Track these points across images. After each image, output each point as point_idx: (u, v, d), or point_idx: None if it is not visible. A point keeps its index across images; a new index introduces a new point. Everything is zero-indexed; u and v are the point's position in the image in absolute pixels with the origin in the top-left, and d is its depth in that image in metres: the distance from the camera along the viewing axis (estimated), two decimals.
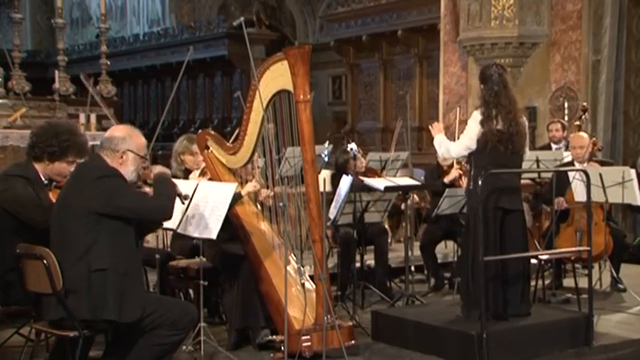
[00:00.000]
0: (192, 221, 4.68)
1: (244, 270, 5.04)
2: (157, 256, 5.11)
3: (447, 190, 6.39)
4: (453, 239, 7.11)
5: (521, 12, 9.35)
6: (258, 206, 5.40)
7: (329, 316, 4.68)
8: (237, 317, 5.01)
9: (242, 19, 5.09)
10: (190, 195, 4.53)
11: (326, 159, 6.05)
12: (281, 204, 4.74)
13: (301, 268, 4.98)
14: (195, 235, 4.74)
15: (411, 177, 7.46)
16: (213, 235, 4.63)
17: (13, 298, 4.32)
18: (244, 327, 5.04)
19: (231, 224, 5.09)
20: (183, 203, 4.29)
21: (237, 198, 5.00)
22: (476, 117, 5.17)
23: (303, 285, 4.92)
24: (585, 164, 6.66)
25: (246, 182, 5.41)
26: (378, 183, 6.14)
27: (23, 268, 3.98)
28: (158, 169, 4.38)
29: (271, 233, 5.22)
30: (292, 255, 5.18)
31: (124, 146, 3.99)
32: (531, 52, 9.63)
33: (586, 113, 7.98)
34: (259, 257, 5.02)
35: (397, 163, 7.91)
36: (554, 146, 8.07)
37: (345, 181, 5.97)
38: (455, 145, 5.37)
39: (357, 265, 6.34)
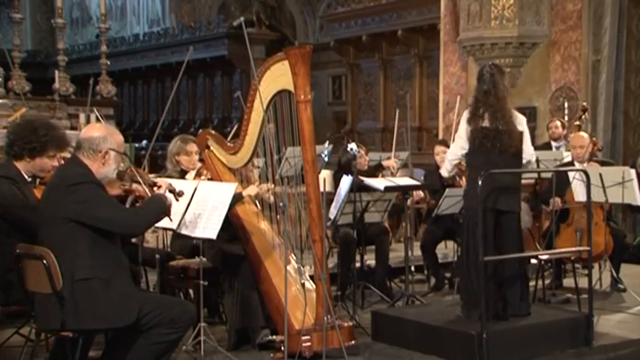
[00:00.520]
0: (193, 221, 4.68)
1: (244, 270, 5.04)
2: (157, 256, 5.11)
3: (447, 190, 6.39)
4: (453, 239, 7.11)
5: (521, 12, 9.35)
6: (258, 206, 5.40)
7: (329, 316, 4.68)
8: (237, 317, 5.01)
9: (242, 19, 5.10)
10: (191, 195, 4.54)
11: (326, 159, 6.06)
12: (281, 204, 4.73)
13: (301, 268, 4.98)
14: (195, 235, 4.73)
15: (411, 177, 7.46)
16: (213, 235, 4.63)
17: (13, 298, 4.31)
18: (244, 327, 5.03)
19: (231, 224, 5.09)
20: (177, 200, 4.26)
21: (237, 198, 4.99)
22: (465, 116, 5.23)
23: (303, 285, 4.92)
24: (585, 164, 6.66)
25: (247, 181, 5.41)
26: (378, 183, 6.14)
27: (23, 268, 3.97)
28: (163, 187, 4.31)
29: (271, 233, 5.22)
30: (292, 255, 5.18)
31: (106, 145, 3.93)
32: (531, 52, 9.63)
33: (586, 113, 7.98)
34: (259, 257, 5.01)
35: (397, 163, 7.90)
36: (554, 144, 8.07)
37: (345, 181, 5.97)
38: (450, 148, 5.45)
39: (357, 265, 6.34)
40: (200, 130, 5.79)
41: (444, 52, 10.62)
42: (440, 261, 7.20)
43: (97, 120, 9.74)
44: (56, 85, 10.62)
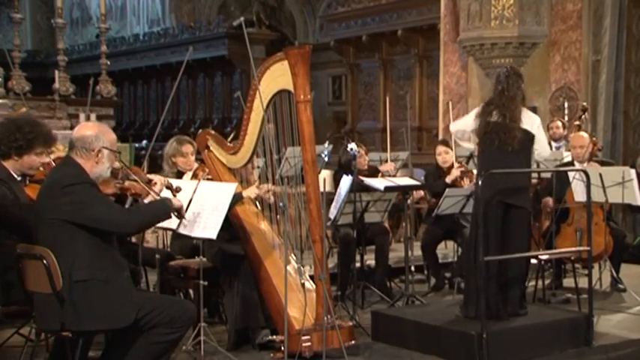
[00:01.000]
0: (192, 221, 4.68)
1: (244, 270, 5.04)
2: (157, 256, 5.11)
3: (447, 189, 6.39)
4: (453, 239, 7.11)
5: (521, 12, 9.35)
6: (258, 206, 5.40)
7: (329, 316, 4.69)
8: (237, 317, 5.01)
9: (242, 19, 5.09)
10: (191, 195, 4.54)
11: (326, 159, 6.06)
12: (281, 204, 4.73)
13: (301, 268, 4.98)
14: (195, 235, 4.73)
15: (411, 177, 7.46)
16: (213, 235, 4.63)
17: (13, 298, 4.31)
18: (244, 327, 5.03)
19: (231, 224, 5.09)
20: (174, 196, 4.25)
21: (237, 199, 4.99)
22: (476, 110, 5.41)
23: (303, 285, 4.92)
24: (585, 164, 6.66)
25: (247, 182, 5.41)
26: (378, 183, 6.14)
27: (23, 268, 3.97)
28: (159, 184, 4.29)
29: (271, 233, 5.22)
30: (292, 255, 5.18)
31: (99, 144, 3.92)
32: (531, 52, 9.63)
33: (586, 113, 7.99)
34: (259, 257, 5.02)
35: (397, 163, 7.91)
36: (554, 144, 8.07)
37: (345, 181, 5.97)
38: (457, 122, 5.80)
39: (357, 265, 6.34)
40: (200, 130, 5.78)
41: (444, 52, 10.62)
42: (440, 261, 7.20)
43: (97, 120, 9.76)
44: (56, 85, 10.60)
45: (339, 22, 14.57)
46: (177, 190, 4.23)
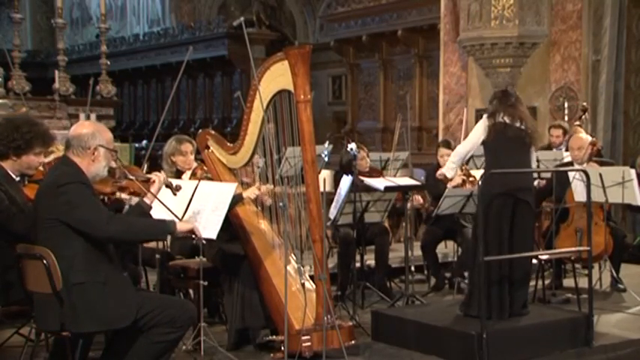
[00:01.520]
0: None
1: (244, 270, 5.04)
2: (157, 256, 5.11)
3: (447, 189, 6.38)
4: (453, 239, 7.11)
5: (521, 12, 9.35)
6: (258, 206, 5.40)
7: (329, 316, 4.68)
8: (237, 317, 5.01)
9: (242, 19, 5.09)
10: (191, 195, 4.53)
11: (326, 159, 6.05)
12: (281, 204, 4.73)
13: (301, 268, 4.98)
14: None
15: (411, 177, 7.45)
16: (213, 235, 4.63)
17: (13, 298, 4.31)
18: (244, 327, 5.03)
19: (231, 224, 5.09)
20: (175, 194, 4.24)
21: (237, 199, 4.99)
22: (484, 118, 5.48)
23: (303, 285, 4.92)
24: (585, 165, 6.65)
25: (247, 182, 5.41)
26: (378, 183, 6.14)
27: (23, 268, 3.97)
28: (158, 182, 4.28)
29: (271, 233, 5.23)
30: (292, 255, 5.18)
31: (95, 142, 3.91)
32: (531, 52, 9.62)
33: (586, 113, 7.98)
34: (259, 257, 5.02)
35: (397, 163, 7.91)
36: (554, 150, 8.05)
37: (345, 181, 5.97)
38: (460, 146, 5.72)
39: (357, 265, 6.34)
40: (200, 130, 5.78)
41: (444, 52, 10.62)
42: (440, 261, 7.20)
43: (98, 120, 9.77)
44: (56, 85, 10.60)
45: (339, 22, 14.58)
46: (177, 188, 4.21)
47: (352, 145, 6.15)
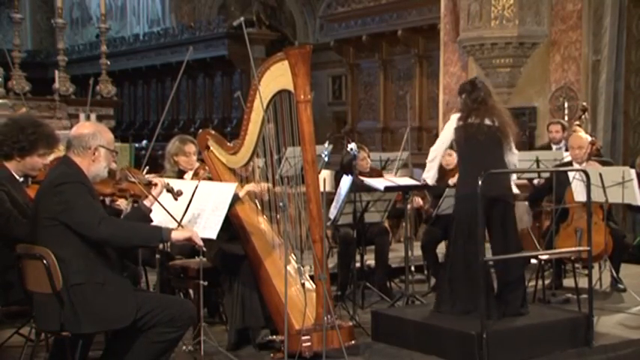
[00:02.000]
0: (193, 221, 4.67)
1: (244, 270, 5.04)
2: (157, 256, 5.11)
3: (447, 189, 6.39)
4: None
5: (521, 12, 9.35)
6: (258, 205, 5.40)
7: (329, 316, 4.68)
8: (237, 317, 5.01)
9: (242, 19, 5.09)
10: (191, 195, 4.53)
11: (326, 159, 6.05)
12: (281, 204, 4.73)
13: (301, 268, 4.98)
14: None
15: (411, 177, 7.45)
16: (214, 235, 4.63)
17: (13, 298, 4.31)
18: (244, 327, 5.03)
19: (231, 224, 5.09)
20: (176, 199, 4.25)
21: (235, 199, 4.99)
22: (454, 116, 5.46)
23: (303, 285, 4.92)
24: (584, 164, 6.65)
25: (247, 182, 5.41)
26: (378, 183, 6.14)
27: (23, 268, 3.97)
28: (159, 186, 4.29)
29: (271, 233, 5.22)
30: (292, 255, 5.18)
31: (95, 142, 3.93)
32: (531, 52, 9.63)
33: (586, 113, 7.98)
34: (259, 257, 5.01)
35: (397, 163, 7.91)
36: (554, 147, 8.06)
37: (345, 181, 5.97)
38: (434, 146, 5.64)
39: (357, 265, 6.34)
40: (200, 131, 5.78)
41: (444, 52, 10.62)
42: (440, 261, 7.19)
43: (97, 120, 9.78)
44: (56, 85, 10.61)
45: (339, 22, 14.58)
46: (179, 193, 4.22)
47: (352, 145, 6.15)
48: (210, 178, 5.24)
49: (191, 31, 17.03)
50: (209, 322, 5.33)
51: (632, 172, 6.28)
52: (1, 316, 4.59)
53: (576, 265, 6.67)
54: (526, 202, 7.37)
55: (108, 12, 15.84)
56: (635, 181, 6.16)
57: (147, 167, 5.53)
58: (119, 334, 3.96)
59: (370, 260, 6.80)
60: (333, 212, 6.02)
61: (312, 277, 4.92)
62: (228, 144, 5.34)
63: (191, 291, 5.64)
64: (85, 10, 21.62)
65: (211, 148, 5.41)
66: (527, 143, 9.64)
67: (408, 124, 8.81)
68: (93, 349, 4.20)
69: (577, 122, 7.70)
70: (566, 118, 8.72)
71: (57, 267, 3.73)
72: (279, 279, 4.80)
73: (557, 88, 9.49)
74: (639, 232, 9.03)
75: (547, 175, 6.99)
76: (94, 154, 3.93)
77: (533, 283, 6.45)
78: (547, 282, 6.60)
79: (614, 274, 6.78)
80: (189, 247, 5.53)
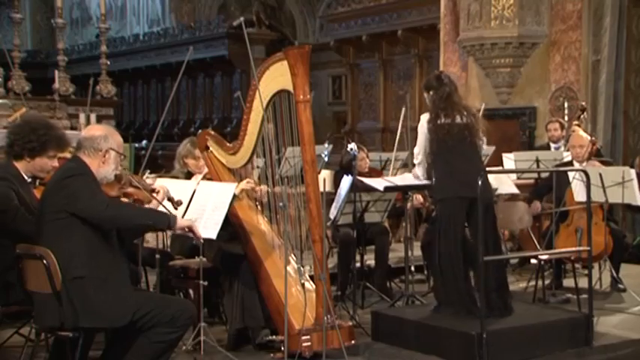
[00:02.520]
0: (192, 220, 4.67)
1: (244, 270, 5.04)
2: (157, 256, 5.11)
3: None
4: None
5: (521, 12, 9.36)
6: (258, 206, 5.40)
7: (329, 316, 4.69)
8: (237, 317, 5.01)
9: (242, 19, 5.11)
10: (191, 195, 4.54)
11: (326, 159, 6.05)
12: (281, 204, 4.73)
13: (301, 268, 4.98)
14: None
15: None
16: (214, 235, 4.63)
17: (13, 298, 4.31)
18: (244, 327, 5.03)
19: (231, 224, 5.09)
20: (175, 209, 4.29)
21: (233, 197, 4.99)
22: (424, 117, 5.40)
23: (303, 285, 4.92)
24: (585, 163, 6.65)
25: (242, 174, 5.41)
26: (378, 183, 6.14)
27: (23, 268, 3.98)
28: (161, 193, 4.31)
29: (271, 233, 5.22)
30: (292, 255, 5.18)
31: (106, 145, 3.99)
32: (531, 52, 9.63)
33: (585, 113, 7.98)
34: (259, 257, 5.01)
35: (397, 163, 7.90)
36: (552, 146, 8.06)
37: (345, 182, 5.97)
38: (416, 150, 5.58)
39: (357, 265, 6.34)
40: (199, 131, 5.78)
41: (444, 52, 10.62)
42: None
43: (97, 120, 9.79)
44: (56, 85, 10.61)
45: (339, 22, 14.58)
46: (179, 203, 4.27)
47: (352, 145, 6.15)
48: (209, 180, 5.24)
49: (191, 31, 17.01)
50: (209, 322, 5.32)
51: (632, 172, 6.28)
52: (1, 316, 4.58)
53: (576, 265, 6.68)
54: (526, 203, 7.37)
55: (108, 12, 15.85)
56: (635, 181, 6.16)
57: (147, 171, 5.53)
58: (119, 334, 3.96)
59: (370, 260, 6.80)
60: (333, 212, 6.02)
61: (312, 277, 4.92)
62: (228, 144, 5.34)
63: (191, 291, 5.64)
64: (85, 10, 21.61)
65: (211, 148, 5.41)
66: (526, 143, 9.65)
67: (408, 124, 8.81)
68: (93, 349, 4.20)
69: (576, 122, 7.70)
70: (566, 118, 8.72)
71: (57, 267, 3.74)
72: (279, 279, 4.80)
73: (557, 88, 9.49)
74: (639, 232, 9.03)
75: (547, 174, 6.99)
76: (104, 156, 3.99)
77: (533, 283, 6.45)
78: (547, 282, 6.60)
79: (614, 274, 6.78)
80: (189, 247, 5.54)
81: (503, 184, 6.56)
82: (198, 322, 4.75)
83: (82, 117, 9.78)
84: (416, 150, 5.61)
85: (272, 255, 5.06)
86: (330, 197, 5.92)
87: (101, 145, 3.98)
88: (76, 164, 3.95)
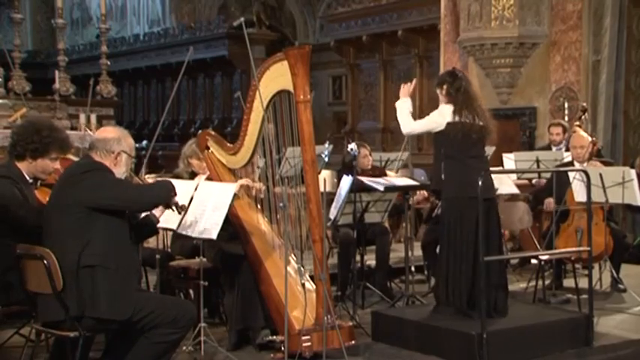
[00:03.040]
0: (193, 221, 4.68)
1: (244, 270, 5.04)
2: (157, 256, 5.11)
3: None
4: None
5: (521, 12, 9.35)
6: (258, 206, 5.40)
7: (329, 317, 4.69)
8: (238, 317, 5.01)
9: (242, 19, 5.10)
10: (191, 195, 4.54)
11: (326, 159, 6.05)
12: (281, 204, 4.74)
13: (301, 268, 4.98)
14: (196, 235, 4.74)
15: (411, 177, 7.44)
16: (214, 235, 4.64)
17: (13, 299, 4.31)
18: (244, 327, 5.04)
19: (232, 224, 5.09)
20: (179, 214, 4.30)
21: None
22: (447, 108, 5.28)
23: (303, 285, 4.92)
24: (585, 164, 6.66)
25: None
26: (378, 183, 6.13)
27: (23, 268, 3.98)
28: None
29: (271, 233, 5.23)
30: (292, 255, 5.18)
31: (119, 147, 4.04)
32: (531, 53, 9.63)
33: (586, 113, 7.98)
34: (259, 257, 5.02)
35: (397, 164, 7.90)
36: (554, 148, 8.06)
37: (345, 182, 5.97)
38: (415, 124, 5.46)
39: (358, 265, 6.34)
40: (200, 131, 5.79)
41: (444, 53, 10.62)
42: None
43: (97, 121, 9.79)
44: (56, 85, 10.61)
45: (339, 23, 14.57)
46: (182, 208, 4.28)
47: (352, 145, 6.15)
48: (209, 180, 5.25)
49: (191, 32, 17.01)
50: (209, 322, 5.33)
51: (632, 172, 6.28)
52: (2, 317, 4.58)
53: (576, 266, 6.68)
54: (526, 203, 7.37)
55: (108, 12, 15.83)
56: (635, 182, 6.16)
57: (143, 171, 5.54)
58: (119, 334, 3.96)
59: (370, 260, 6.80)
60: (333, 212, 6.02)
61: (312, 278, 4.93)
62: (228, 144, 5.34)
63: (191, 291, 5.65)
64: (85, 10, 21.60)
65: (211, 148, 5.42)
66: (527, 143, 9.65)
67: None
68: (93, 350, 4.20)
69: (577, 122, 7.70)
70: (566, 118, 8.72)
71: (57, 267, 3.75)
72: (280, 279, 4.80)
73: (558, 88, 9.49)
74: (639, 233, 9.03)
75: (547, 175, 6.98)
76: (117, 158, 4.03)
77: (533, 283, 6.45)
78: (547, 282, 6.60)
79: (615, 274, 6.78)
80: (189, 247, 5.54)
81: (503, 184, 6.56)
82: (199, 322, 4.75)
83: (83, 117, 9.78)
84: (417, 123, 5.47)
85: (272, 255, 5.06)
86: (330, 197, 5.92)
87: (113, 148, 4.02)
88: (92, 160, 4.01)
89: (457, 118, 5.22)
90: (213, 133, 5.58)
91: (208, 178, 5.53)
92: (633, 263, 7.79)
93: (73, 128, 9.65)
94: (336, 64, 15.80)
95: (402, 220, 7.57)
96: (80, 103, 10.56)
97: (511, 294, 5.58)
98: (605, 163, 6.92)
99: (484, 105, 5.40)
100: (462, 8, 9.79)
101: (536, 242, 6.88)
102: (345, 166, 6.87)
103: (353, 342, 4.91)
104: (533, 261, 6.30)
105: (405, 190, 6.35)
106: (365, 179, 6.20)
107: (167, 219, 4.43)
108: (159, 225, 4.39)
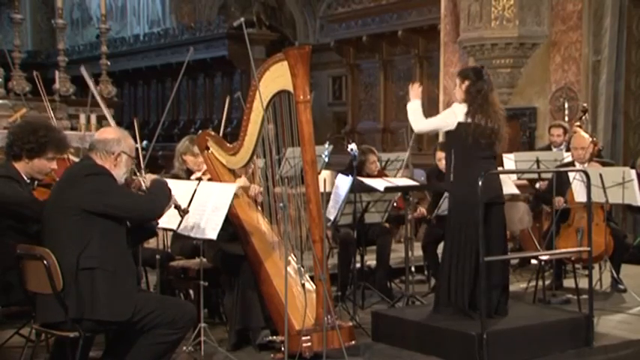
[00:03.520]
0: (193, 222, 4.68)
1: (244, 270, 5.04)
2: (157, 256, 5.11)
3: (446, 190, 6.37)
4: None
5: (521, 12, 9.35)
6: (258, 206, 5.40)
7: (329, 317, 4.69)
8: (238, 318, 5.01)
9: (242, 19, 5.09)
10: (191, 195, 4.54)
11: (326, 159, 6.05)
12: (281, 204, 4.74)
13: (301, 268, 4.98)
14: (196, 235, 4.74)
15: (412, 178, 7.44)
16: (214, 236, 4.64)
17: (13, 299, 4.31)
18: (244, 327, 5.03)
19: (231, 224, 5.09)
20: (181, 217, 4.30)
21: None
22: (460, 108, 5.26)
23: (303, 285, 4.92)
24: (586, 164, 6.66)
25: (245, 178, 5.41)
26: (378, 184, 6.13)
27: (23, 268, 3.98)
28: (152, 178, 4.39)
29: (271, 234, 5.22)
30: (292, 255, 5.18)
31: (119, 148, 4.03)
32: (531, 53, 9.63)
33: (586, 114, 7.97)
34: (259, 258, 5.02)
35: (401, 164, 7.89)
36: (554, 149, 8.05)
37: (343, 182, 5.96)
38: (427, 122, 5.48)
39: (358, 265, 6.34)
40: (200, 131, 5.79)
41: (444, 53, 10.62)
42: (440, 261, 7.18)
43: (97, 121, 9.78)
44: (56, 85, 10.61)
45: (339, 23, 14.58)
46: (185, 211, 4.29)
47: (352, 146, 6.15)
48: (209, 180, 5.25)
49: (191, 32, 17.01)
50: (209, 322, 5.32)
51: (633, 172, 6.28)
52: (2, 317, 4.58)
53: (576, 266, 6.68)
54: (526, 203, 7.37)
55: (108, 12, 15.83)
56: (636, 182, 6.17)
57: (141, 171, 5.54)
58: (120, 335, 3.96)
59: (371, 261, 6.80)
60: (330, 212, 6.00)
61: (312, 278, 4.92)
62: (228, 145, 5.34)
63: (191, 291, 5.65)
64: (85, 10, 21.61)
65: (211, 148, 5.41)
66: (527, 144, 9.65)
67: (408, 124, 8.82)
68: (93, 350, 4.20)
69: (577, 123, 7.70)
70: (566, 118, 8.72)
71: (57, 267, 3.74)
72: (280, 279, 4.80)
73: (558, 88, 9.49)
74: (639, 233, 9.03)
75: (548, 176, 6.98)
76: (117, 159, 4.03)
77: (533, 283, 6.45)
78: (547, 282, 6.60)
79: (615, 274, 6.78)
80: (189, 248, 5.54)
81: (503, 184, 6.53)
82: (199, 322, 4.75)
83: (83, 117, 9.77)
84: (427, 121, 5.47)
85: (272, 255, 5.06)
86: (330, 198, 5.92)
87: (114, 148, 4.02)
88: (94, 163, 3.99)
89: (469, 120, 5.20)
90: (213, 133, 5.58)
91: (204, 174, 5.54)
92: (633, 263, 7.79)
93: (73, 128, 9.65)
94: (336, 65, 15.80)
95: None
96: (80, 103, 10.55)
97: (511, 294, 5.58)
98: (605, 164, 6.92)
99: (502, 111, 5.35)
100: (462, 8, 9.79)
101: (536, 242, 6.88)
102: (349, 167, 6.85)
103: (353, 342, 4.91)
104: (534, 261, 6.30)
105: (406, 191, 6.34)
106: (365, 179, 6.20)
107: (167, 219, 4.43)
108: (159, 225, 4.39)
